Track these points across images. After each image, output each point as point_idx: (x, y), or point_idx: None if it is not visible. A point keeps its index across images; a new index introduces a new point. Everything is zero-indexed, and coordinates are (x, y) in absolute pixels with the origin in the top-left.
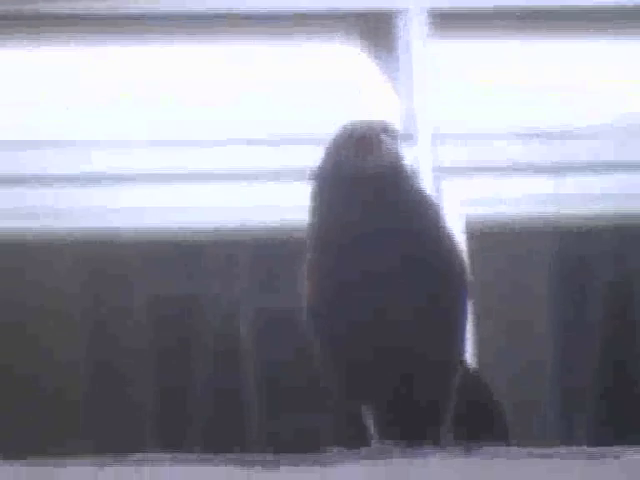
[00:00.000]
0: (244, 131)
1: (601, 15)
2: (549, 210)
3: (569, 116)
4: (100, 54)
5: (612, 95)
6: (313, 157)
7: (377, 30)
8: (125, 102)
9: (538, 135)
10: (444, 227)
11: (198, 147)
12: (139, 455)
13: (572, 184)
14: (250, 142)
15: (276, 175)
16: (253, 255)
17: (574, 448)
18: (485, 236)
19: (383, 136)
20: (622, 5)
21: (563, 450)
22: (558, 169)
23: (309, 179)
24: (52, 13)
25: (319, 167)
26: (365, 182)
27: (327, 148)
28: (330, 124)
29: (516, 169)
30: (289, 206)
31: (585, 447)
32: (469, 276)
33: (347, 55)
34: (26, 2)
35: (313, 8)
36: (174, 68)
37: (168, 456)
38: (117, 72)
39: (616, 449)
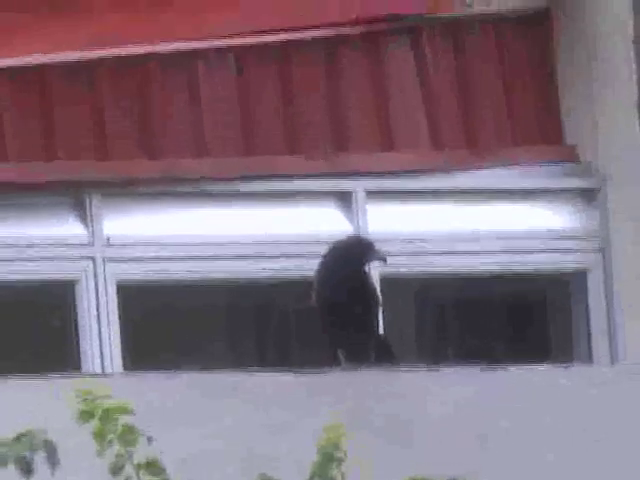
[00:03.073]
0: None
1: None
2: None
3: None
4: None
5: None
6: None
7: (340, 198)
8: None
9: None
10: (372, 281)
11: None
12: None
13: None
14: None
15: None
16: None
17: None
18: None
19: (374, 245)
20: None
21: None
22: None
23: (321, 257)
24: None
25: (332, 251)
26: (359, 264)
27: (339, 244)
28: (316, 249)
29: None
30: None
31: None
32: (380, 298)
33: (325, 211)
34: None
35: (311, 188)
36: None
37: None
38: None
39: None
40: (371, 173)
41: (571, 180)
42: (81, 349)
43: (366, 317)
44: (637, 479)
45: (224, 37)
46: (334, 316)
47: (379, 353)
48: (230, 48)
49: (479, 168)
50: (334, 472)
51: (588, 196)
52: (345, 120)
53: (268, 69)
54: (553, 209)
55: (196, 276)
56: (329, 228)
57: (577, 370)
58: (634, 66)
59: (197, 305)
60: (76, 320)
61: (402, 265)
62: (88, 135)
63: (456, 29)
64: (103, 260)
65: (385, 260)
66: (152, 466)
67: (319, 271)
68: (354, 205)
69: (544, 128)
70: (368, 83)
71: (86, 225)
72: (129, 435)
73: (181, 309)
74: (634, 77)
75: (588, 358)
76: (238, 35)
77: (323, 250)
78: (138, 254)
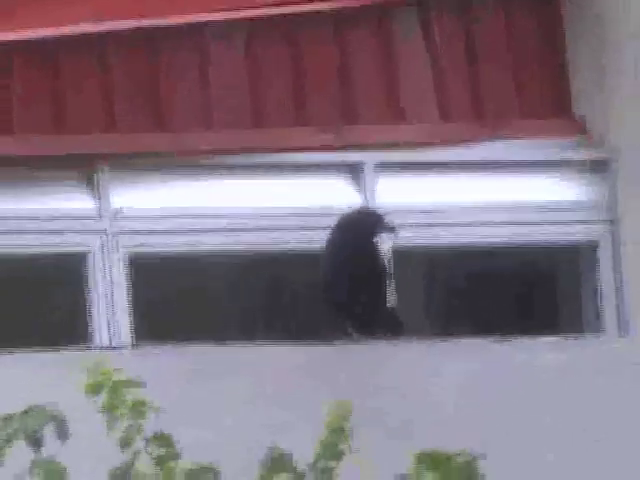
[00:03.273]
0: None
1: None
2: None
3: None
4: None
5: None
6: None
7: (350, 170)
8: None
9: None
10: (381, 253)
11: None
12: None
13: None
14: (270, 228)
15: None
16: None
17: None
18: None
19: (383, 216)
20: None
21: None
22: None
23: (330, 229)
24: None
25: (341, 223)
26: (369, 236)
27: (349, 216)
28: (329, 217)
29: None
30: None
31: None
32: (390, 270)
33: (335, 183)
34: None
35: (320, 160)
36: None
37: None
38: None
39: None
40: (380, 145)
41: (581, 152)
42: (91, 322)
43: (375, 289)
44: None
45: (233, 9)
46: (343, 288)
47: (388, 326)
48: (239, 20)
49: (489, 140)
50: (342, 446)
51: (598, 168)
52: (354, 92)
53: (277, 42)
54: (563, 181)
55: (205, 248)
56: (339, 200)
57: (586, 343)
58: None
59: (206, 277)
60: (86, 293)
61: (412, 237)
62: (97, 108)
63: (466, 2)
64: (113, 233)
65: (394, 231)
66: (161, 439)
67: (328, 243)
68: (364, 177)
69: (554, 100)
70: (377, 55)
71: (95, 198)
72: (138, 408)
73: (190, 282)
74: None
75: (597, 330)
76: (247, 7)
77: (332, 222)
78: (148, 227)
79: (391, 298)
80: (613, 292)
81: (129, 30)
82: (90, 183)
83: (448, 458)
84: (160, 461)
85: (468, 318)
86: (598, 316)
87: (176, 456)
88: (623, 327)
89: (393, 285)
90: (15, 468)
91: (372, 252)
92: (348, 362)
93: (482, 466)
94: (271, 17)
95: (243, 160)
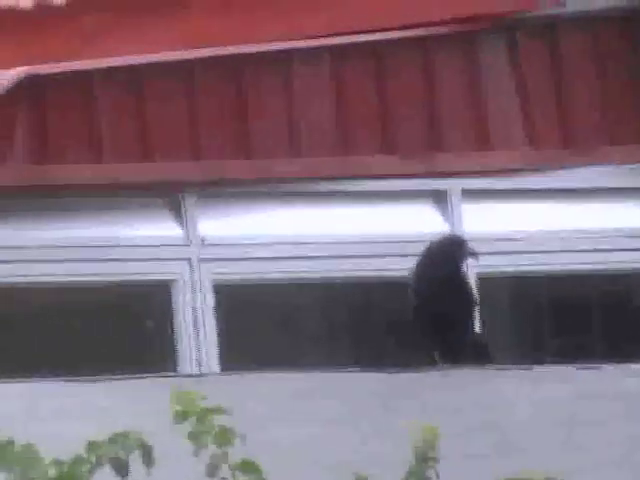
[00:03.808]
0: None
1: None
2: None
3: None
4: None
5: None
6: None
7: (435, 197)
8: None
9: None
10: (468, 280)
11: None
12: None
13: None
14: (358, 255)
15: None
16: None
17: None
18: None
19: (466, 242)
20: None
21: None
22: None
23: (417, 257)
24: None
25: (427, 251)
26: (454, 263)
27: (435, 243)
28: (415, 244)
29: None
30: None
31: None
32: (477, 297)
33: (420, 210)
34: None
35: (406, 187)
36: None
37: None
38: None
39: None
40: (466, 172)
41: None
42: (177, 349)
43: (462, 316)
44: None
45: (319, 37)
46: (430, 315)
47: (475, 352)
48: (325, 48)
49: (574, 167)
50: (429, 472)
51: None
52: (440, 119)
53: (363, 69)
54: None
55: (291, 275)
56: (424, 227)
57: None
58: None
59: (292, 304)
60: (172, 320)
61: (497, 264)
62: (183, 136)
63: (551, 28)
64: (199, 260)
65: (477, 257)
66: (247, 466)
67: (415, 270)
68: (449, 204)
69: (638, 127)
70: (464, 82)
71: (182, 226)
72: (225, 435)
73: (276, 309)
74: None
75: None
76: (333, 35)
77: (419, 249)
78: (233, 254)
79: (477, 325)
80: None
81: (215, 57)
82: (177, 211)
83: None
84: None
85: (554, 345)
86: None
87: None
88: None
89: (478, 312)
90: None
91: (458, 278)
92: (433, 388)
93: None
94: (357, 44)
95: (328, 187)
